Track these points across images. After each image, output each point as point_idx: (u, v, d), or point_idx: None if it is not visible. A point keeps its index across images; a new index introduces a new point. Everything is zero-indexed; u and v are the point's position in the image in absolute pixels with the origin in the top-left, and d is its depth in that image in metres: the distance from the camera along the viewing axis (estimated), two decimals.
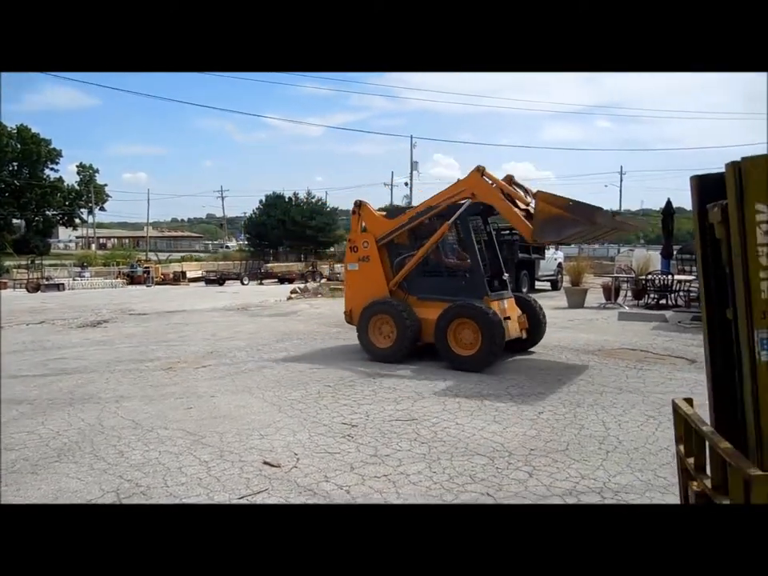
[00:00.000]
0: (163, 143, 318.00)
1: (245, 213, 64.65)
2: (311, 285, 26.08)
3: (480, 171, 7.85)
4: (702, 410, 2.17)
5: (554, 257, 21.14)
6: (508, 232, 16.29)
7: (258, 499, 3.84)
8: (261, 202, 50.66)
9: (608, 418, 5.54)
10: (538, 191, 7.20)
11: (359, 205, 8.93)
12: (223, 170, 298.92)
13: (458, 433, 5.14)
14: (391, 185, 52.51)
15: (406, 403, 6.13)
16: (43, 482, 4.16)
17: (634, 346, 9.29)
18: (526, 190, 8.09)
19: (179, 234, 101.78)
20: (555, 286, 21.26)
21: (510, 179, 8.08)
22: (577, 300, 15.20)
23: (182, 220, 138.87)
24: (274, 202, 49.43)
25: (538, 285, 20.50)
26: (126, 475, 4.27)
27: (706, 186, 1.97)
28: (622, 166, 69.48)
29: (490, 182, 7.90)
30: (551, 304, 14.83)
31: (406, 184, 48.65)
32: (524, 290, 17.00)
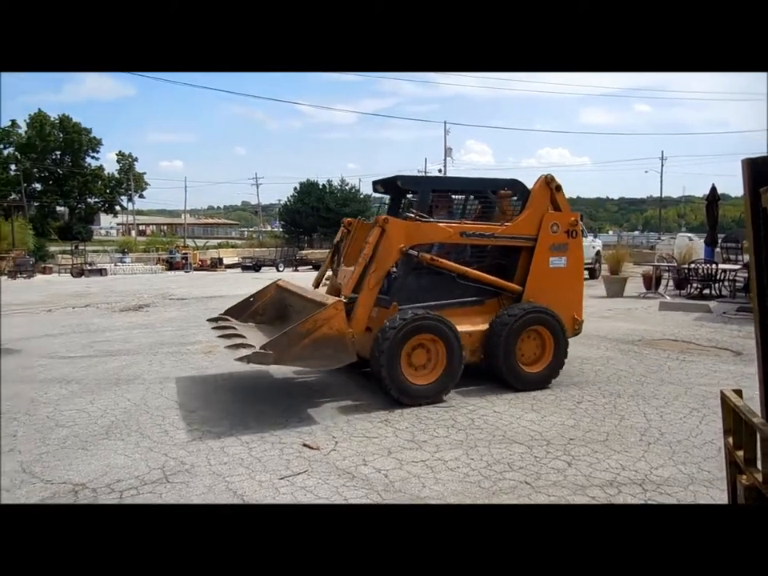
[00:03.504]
0: (194, 131, 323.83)
1: (279, 200, 65.23)
2: None
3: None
4: (752, 402, 2.12)
5: (591, 244, 20.61)
6: None
7: (299, 480, 3.92)
8: (295, 189, 51.03)
9: (649, 409, 5.46)
10: None
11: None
12: (256, 157, 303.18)
13: (495, 421, 5.14)
14: (425, 171, 52.01)
15: None
16: (93, 458, 4.32)
17: (676, 337, 9.10)
18: None
19: (215, 221, 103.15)
20: (593, 274, 20.78)
21: None
22: (616, 289, 14.90)
23: (218, 207, 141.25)
24: (308, 190, 49.71)
25: None
26: (171, 453, 4.40)
27: (759, 169, 1.90)
28: (663, 151, 66.79)
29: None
30: (589, 293, 14.53)
31: (440, 171, 48.09)
32: None
